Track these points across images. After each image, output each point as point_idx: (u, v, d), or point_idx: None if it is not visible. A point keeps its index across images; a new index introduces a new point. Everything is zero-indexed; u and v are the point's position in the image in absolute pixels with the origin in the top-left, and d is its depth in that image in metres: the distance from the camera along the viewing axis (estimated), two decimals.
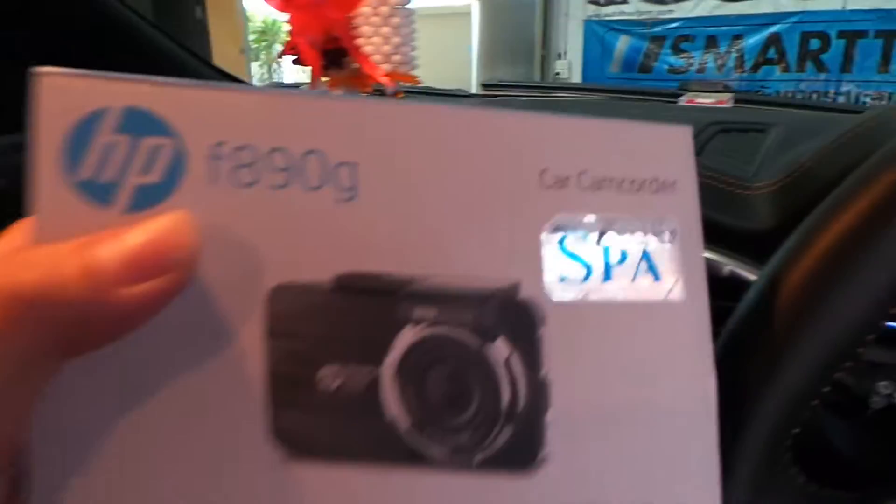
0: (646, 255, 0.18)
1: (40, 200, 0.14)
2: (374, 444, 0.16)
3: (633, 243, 0.18)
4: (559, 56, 3.48)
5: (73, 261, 0.13)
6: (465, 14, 3.65)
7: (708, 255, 0.40)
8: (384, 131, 0.16)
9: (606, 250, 0.18)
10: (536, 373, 0.17)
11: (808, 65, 2.93)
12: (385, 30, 0.28)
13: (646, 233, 0.18)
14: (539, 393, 0.17)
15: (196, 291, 0.15)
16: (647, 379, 0.18)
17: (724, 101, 0.78)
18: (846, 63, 2.84)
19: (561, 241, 0.18)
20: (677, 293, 0.19)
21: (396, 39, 0.28)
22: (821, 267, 0.21)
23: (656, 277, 0.18)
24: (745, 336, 0.22)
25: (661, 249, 0.19)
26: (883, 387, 0.29)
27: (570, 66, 3.47)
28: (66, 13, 0.67)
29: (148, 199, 0.14)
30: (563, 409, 0.17)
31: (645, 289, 0.18)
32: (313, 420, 0.16)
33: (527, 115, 0.18)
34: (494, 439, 0.17)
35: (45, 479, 0.14)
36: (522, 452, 0.17)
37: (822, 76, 2.90)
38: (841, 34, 2.80)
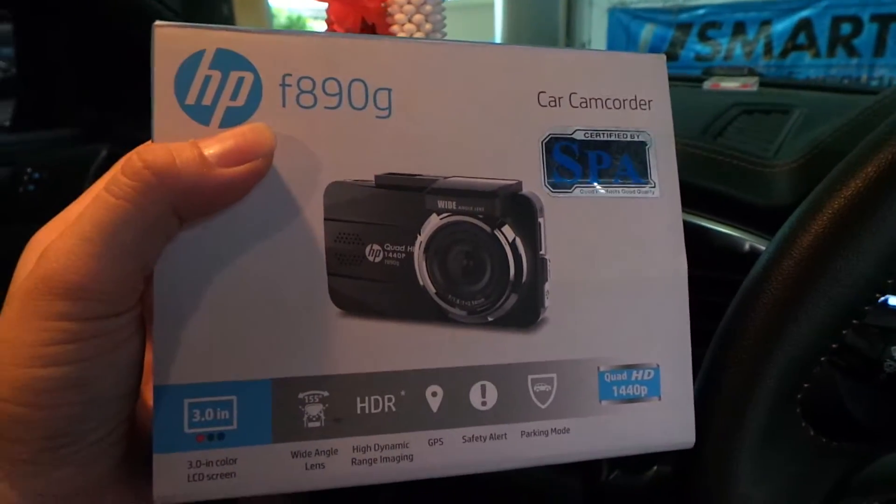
0: (626, 160, 0.22)
1: (159, 120, 0.18)
2: (409, 305, 0.20)
3: (615, 149, 0.22)
4: (583, 46, 3.45)
5: (189, 149, 0.17)
6: (488, 6, 3.64)
7: (729, 231, 0.41)
8: (412, 63, 0.21)
9: (593, 154, 0.22)
10: (536, 252, 0.21)
11: (839, 50, 2.86)
12: (417, 17, 0.30)
13: (625, 142, 0.22)
14: (539, 268, 0.21)
15: (274, 183, 0.19)
16: (628, 258, 0.22)
17: (748, 84, 0.78)
18: (879, 47, 2.77)
19: (555, 148, 0.22)
20: (652, 190, 0.22)
21: (428, 26, 0.30)
22: (829, 228, 0.23)
23: (635, 178, 0.22)
24: (757, 294, 0.23)
25: (639, 156, 0.22)
26: (895, 350, 0.30)
27: None
28: (99, 10, 0.70)
29: (235, 119, 0.19)
30: (558, 282, 0.21)
31: (625, 187, 0.22)
32: (361, 285, 0.20)
33: (526, 48, 0.22)
34: (503, 304, 0.21)
35: (163, 317, 0.18)
36: (526, 314, 0.21)
37: (854, 61, 2.83)
38: (874, 17, 2.72)
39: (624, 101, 0.22)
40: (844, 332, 0.23)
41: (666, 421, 0.22)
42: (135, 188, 0.16)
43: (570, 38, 3.46)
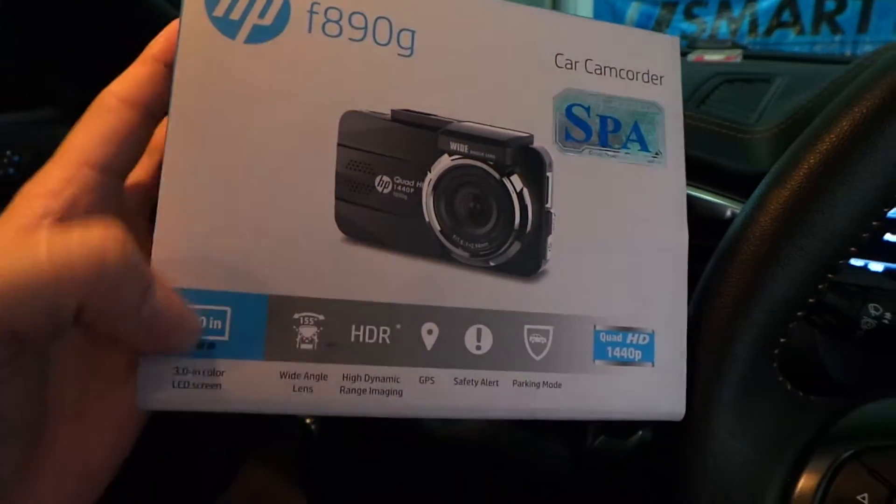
0: (636, 128, 0.23)
1: (186, 28, 0.19)
2: (414, 239, 0.21)
3: (626, 117, 0.23)
4: None
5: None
6: None
7: (711, 198, 0.41)
8: (439, 10, 0.21)
9: (604, 119, 0.22)
10: (542, 205, 0.21)
11: (824, 27, 2.87)
12: None
13: (636, 111, 0.23)
14: (544, 220, 0.21)
15: (291, 105, 0.20)
16: (632, 223, 0.22)
17: (732, 56, 0.78)
18: (863, 23, 2.78)
19: (568, 108, 0.22)
20: (660, 161, 0.23)
21: None
22: (804, 184, 0.23)
23: (643, 146, 0.23)
24: (735, 251, 0.24)
25: (648, 126, 0.23)
26: (873, 308, 0.30)
27: None
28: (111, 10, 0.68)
29: (261, 36, 0.20)
30: (562, 236, 0.22)
31: (633, 154, 0.23)
32: (367, 214, 0.20)
33: (550, 12, 0.23)
34: (506, 250, 0.21)
35: (166, 221, 0.19)
36: (527, 263, 0.21)
37: (838, 38, 2.84)
38: None
39: (637, 73, 0.23)
40: (820, 286, 0.23)
41: (657, 389, 0.22)
42: None
43: None
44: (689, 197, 0.41)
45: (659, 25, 3.18)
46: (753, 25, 2.96)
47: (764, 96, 0.49)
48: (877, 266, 0.50)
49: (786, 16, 2.90)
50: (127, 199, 0.21)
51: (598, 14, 3.46)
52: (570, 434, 0.42)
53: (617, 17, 3.29)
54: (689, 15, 3.10)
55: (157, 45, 0.20)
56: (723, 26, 3.03)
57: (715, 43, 0.85)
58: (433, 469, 0.44)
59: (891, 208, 0.23)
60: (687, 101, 0.49)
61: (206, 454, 0.57)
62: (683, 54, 0.77)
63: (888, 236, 0.50)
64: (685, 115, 0.45)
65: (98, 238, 0.15)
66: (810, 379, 0.35)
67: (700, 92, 0.49)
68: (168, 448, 0.51)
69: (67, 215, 0.18)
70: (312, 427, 0.53)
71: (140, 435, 0.20)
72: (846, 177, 0.22)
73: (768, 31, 2.94)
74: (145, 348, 0.18)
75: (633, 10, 3.24)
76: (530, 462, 0.43)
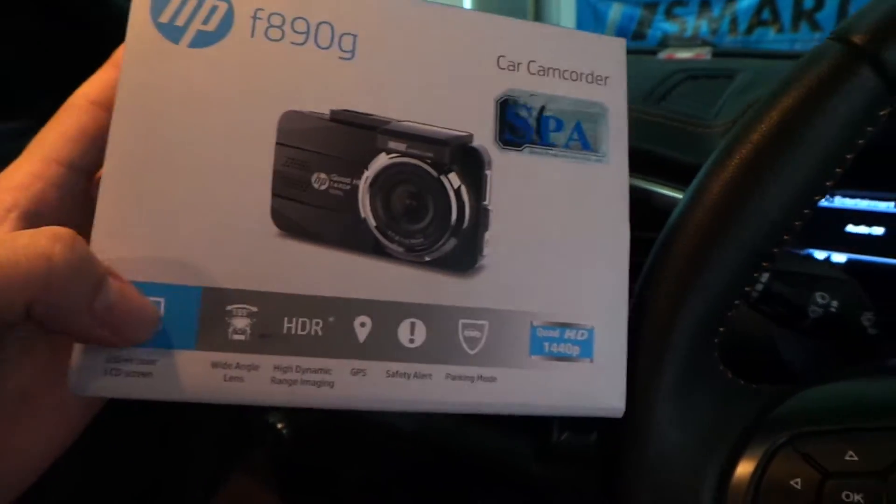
0: (578, 127, 0.23)
1: (132, 33, 0.20)
2: (348, 234, 0.21)
3: (569, 116, 0.23)
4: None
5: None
6: None
7: (669, 192, 0.42)
8: (381, 14, 0.22)
9: (546, 118, 0.23)
10: (480, 202, 0.22)
11: (803, 25, 2.90)
12: None
13: (579, 110, 0.23)
14: (481, 217, 0.22)
15: (233, 104, 0.20)
16: (572, 220, 0.23)
17: (702, 54, 0.79)
18: (840, 21, 2.81)
19: (510, 108, 0.22)
20: (602, 159, 0.23)
21: None
22: (736, 175, 0.23)
23: (585, 145, 0.23)
24: (670, 242, 0.24)
25: (592, 125, 0.23)
26: (820, 297, 0.31)
27: None
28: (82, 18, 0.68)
29: (204, 41, 0.20)
30: (500, 232, 0.22)
31: (575, 152, 0.23)
32: (302, 209, 0.21)
33: (491, 15, 0.23)
34: (442, 246, 0.22)
35: (104, 211, 0.19)
36: (463, 259, 0.22)
37: (818, 35, 2.87)
38: None
39: (581, 74, 0.23)
40: (756, 274, 0.24)
41: (596, 384, 0.22)
42: None
43: (539, 19, 3.45)
44: (649, 191, 0.42)
45: (641, 26, 3.20)
46: (734, 24, 2.98)
47: (725, 91, 0.50)
48: (840, 257, 0.51)
49: (765, 14, 2.93)
50: (94, 195, 0.22)
51: (581, 16, 3.48)
52: (536, 430, 0.42)
53: (599, 18, 3.30)
54: (669, 15, 3.12)
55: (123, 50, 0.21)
56: (703, 26, 3.06)
57: (686, 41, 0.86)
58: (400, 466, 0.44)
59: (822, 196, 0.23)
60: (648, 97, 0.49)
61: (194, 463, 0.57)
62: (654, 52, 0.77)
63: (850, 227, 0.50)
64: (645, 111, 0.45)
65: (46, 238, 0.16)
66: (766, 367, 0.35)
67: (661, 88, 0.50)
68: (155, 457, 0.51)
69: (35, 209, 0.19)
70: (284, 431, 0.53)
71: (90, 429, 0.21)
72: (776, 167, 0.23)
73: (748, 30, 2.97)
74: (100, 342, 0.18)
75: (614, 12, 3.26)
76: (496, 458, 0.43)
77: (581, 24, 3.44)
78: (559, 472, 0.41)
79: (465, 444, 0.43)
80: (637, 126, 0.45)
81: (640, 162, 0.43)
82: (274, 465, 0.57)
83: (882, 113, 0.22)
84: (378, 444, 0.46)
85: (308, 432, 0.52)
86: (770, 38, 2.97)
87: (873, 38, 0.22)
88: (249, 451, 0.59)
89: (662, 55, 0.78)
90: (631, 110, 0.44)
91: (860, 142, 0.23)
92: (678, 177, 0.41)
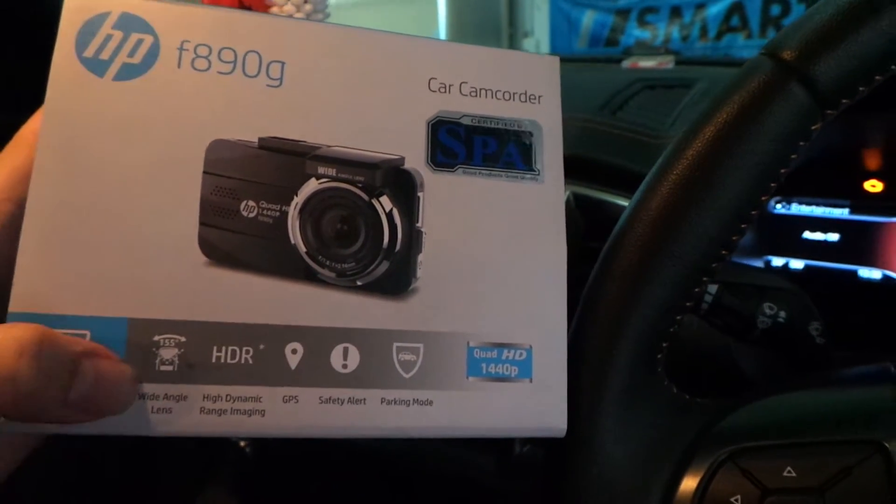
0: (511, 147, 0.23)
1: (56, 68, 0.20)
2: (278, 261, 0.21)
3: (502, 136, 0.23)
4: (526, 35, 3.47)
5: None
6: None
7: (619, 201, 0.42)
8: (308, 42, 0.22)
9: (478, 139, 0.23)
10: (412, 224, 0.22)
11: (770, 31, 2.95)
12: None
13: (512, 130, 0.23)
14: (414, 239, 0.22)
15: (159, 134, 0.20)
16: (507, 239, 0.22)
17: (665, 63, 0.80)
18: None
19: (441, 130, 0.22)
20: (537, 178, 0.23)
21: (308, 7, 0.30)
22: (673, 191, 0.23)
23: (519, 165, 0.23)
24: (610, 259, 0.24)
25: (525, 144, 0.23)
26: (768, 307, 0.31)
27: (537, 44, 3.47)
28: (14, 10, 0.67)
29: (130, 74, 0.20)
30: (433, 255, 0.22)
31: (509, 172, 0.23)
32: (230, 237, 0.20)
33: (424, 38, 0.23)
34: (374, 270, 0.21)
35: (26, 246, 0.19)
36: (396, 282, 0.21)
37: None
38: None
39: (514, 94, 0.23)
40: (696, 289, 0.24)
41: (536, 405, 0.22)
42: None
43: (513, 27, 3.48)
44: (601, 200, 0.42)
45: (613, 32, 3.25)
46: (704, 31, 3.04)
47: (682, 101, 0.50)
48: (797, 264, 0.52)
49: (735, 21, 2.99)
50: None
51: (554, 23, 3.51)
52: (497, 443, 0.42)
53: (572, 25, 3.34)
54: (641, 22, 3.16)
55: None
56: (675, 32, 3.11)
57: (650, 50, 0.87)
58: (362, 484, 0.43)
59: (757, 210, 0.23)
60: (603, 108, 0.50)
61: (163, 486, 0.56)
62: (618, 61, 0.78)
63: (807, 234, 0.51)
64: (600, 122, 0.46)
65: (8, 356, 0.16)
66: (725, 378, 0.35)
67: (617, 99, 0.50)
68: (120, 479, 0.49)
69: None
70: (247, 450, 0.52)
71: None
72: (710, 183, 0.23)
73: (718, 36, 3.02)
74: (78, 423, 0.18)
75: (587, 19, 3.30)
76: (458, 473, 0.43)
77: (555, 32, 3.48)
78: (522, 486, 0.41)
79: (426, 460, 0.42)
80: (591, 136, 0.45)
81: (593, 172, 0.43)
82: (238, 485, 0.56)
83: (814, 127, 0.23)
84: (341, 462, 0.46)
85: (272, 452, 0.52)
86: (739, 43, 3.03)
87: (802, 55, 0.22)
88: (215, 471, 0.58)
89: (627, 63, 0.78)
90: (585, 121, 0.44)
91: (793, 156, 0.23)
92: (630, 186, 0.41)
